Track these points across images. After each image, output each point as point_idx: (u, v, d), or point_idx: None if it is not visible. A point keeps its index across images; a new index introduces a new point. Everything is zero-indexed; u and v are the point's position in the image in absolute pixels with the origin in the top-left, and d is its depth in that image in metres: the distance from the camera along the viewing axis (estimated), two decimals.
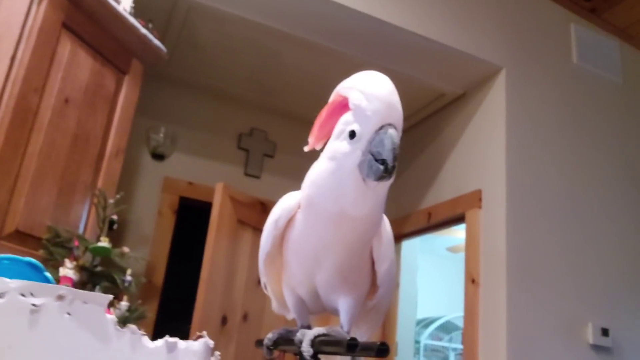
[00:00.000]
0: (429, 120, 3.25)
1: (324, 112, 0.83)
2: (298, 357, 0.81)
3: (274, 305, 1.00)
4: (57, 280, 1.64)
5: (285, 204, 0.87)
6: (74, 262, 1.73)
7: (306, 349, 0.79)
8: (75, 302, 0.56)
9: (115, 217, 2.02)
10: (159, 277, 2.82)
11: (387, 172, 0.73)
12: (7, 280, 0.54)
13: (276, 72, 3.03)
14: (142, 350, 0.60)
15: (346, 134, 0.77)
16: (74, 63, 1.95)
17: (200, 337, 0.65)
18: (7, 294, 0.54)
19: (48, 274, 0.70)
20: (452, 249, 5.18)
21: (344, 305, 0.86)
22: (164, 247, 2.89)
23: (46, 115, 1.82)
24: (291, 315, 0.95)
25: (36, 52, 1.77)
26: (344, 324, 0.85)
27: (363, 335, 0.97)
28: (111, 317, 0.59)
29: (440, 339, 5.71)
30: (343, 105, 0.79)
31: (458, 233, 4.29)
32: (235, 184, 2.91)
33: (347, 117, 0.78)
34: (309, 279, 0.87)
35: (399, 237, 3.23)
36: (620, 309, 2.58)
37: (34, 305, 0.54)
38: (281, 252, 0.90)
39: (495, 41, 2.69)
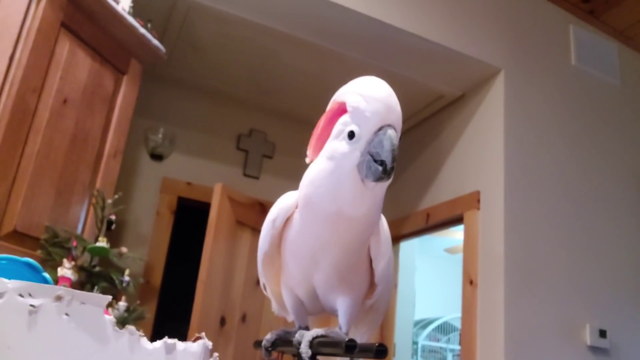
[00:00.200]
0: (427, 121, 3.25)
1: (321, 122, 0.82)
2: (296, 358, 0.81)
3: (274, 307, 1.00)
4: (56, 281, 1.64)
5: (282, 203, 0.87)
6: (72, 263, 1.73)
7: (305, 350, 0.79)
8: (74, 303, 0.56)
9: (113, 217, 2.02)
10: (157, 278, 2.81)
11: (385, 173, 0.74)
12: (5, 280, 0.54)
13: (275, 73, 3.02)
14: (140, 351, 0.60)
15: (345, 134, 0.77)
16: (73, 63, 1.95)
17: (198, 338, 0.65)
18: (5, 295, 0.54)
19: (46, 275, 0.70)
20: (450, 250, 5.17)
21: (342, 305, 0.86)
22: (163, 248, 2.88)
23: (44, 115, 1.82)
24: (292, 317, 0.95)
25: (35, 52, 1.76)
26: (342, 325, 0.85)
27: (362, 336, 0.97)
28: (109, 318, 0.59)
29: (438, 340, 5.70)
30: (340, 113, 0.79)
31: (456, 234, 4.29)
32: (234, 185, 2.91)
33: (345, 118, 0.78)
34: (307, 279, 0.87)
35: (397, 238, 3.23)
36: (618, 311, 2.59)
37: (32, 305, 0.54)
38: (280, 252, 0.90)
39: (494, 43, 2.69)
